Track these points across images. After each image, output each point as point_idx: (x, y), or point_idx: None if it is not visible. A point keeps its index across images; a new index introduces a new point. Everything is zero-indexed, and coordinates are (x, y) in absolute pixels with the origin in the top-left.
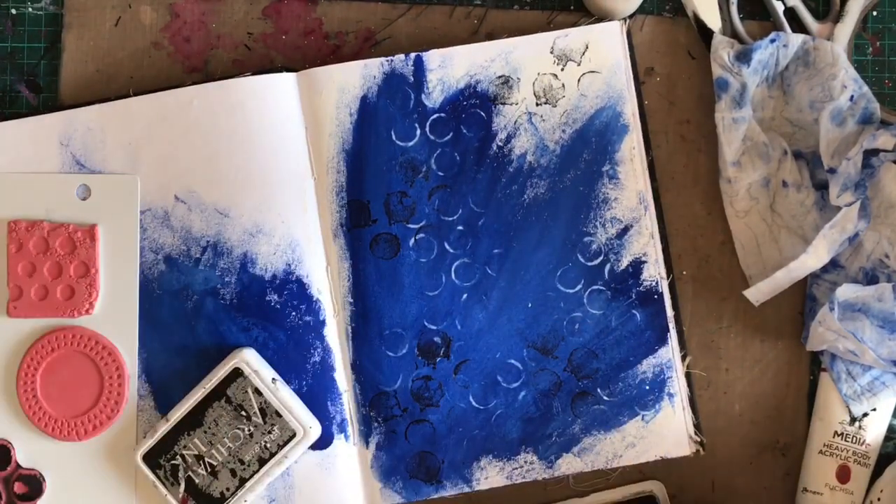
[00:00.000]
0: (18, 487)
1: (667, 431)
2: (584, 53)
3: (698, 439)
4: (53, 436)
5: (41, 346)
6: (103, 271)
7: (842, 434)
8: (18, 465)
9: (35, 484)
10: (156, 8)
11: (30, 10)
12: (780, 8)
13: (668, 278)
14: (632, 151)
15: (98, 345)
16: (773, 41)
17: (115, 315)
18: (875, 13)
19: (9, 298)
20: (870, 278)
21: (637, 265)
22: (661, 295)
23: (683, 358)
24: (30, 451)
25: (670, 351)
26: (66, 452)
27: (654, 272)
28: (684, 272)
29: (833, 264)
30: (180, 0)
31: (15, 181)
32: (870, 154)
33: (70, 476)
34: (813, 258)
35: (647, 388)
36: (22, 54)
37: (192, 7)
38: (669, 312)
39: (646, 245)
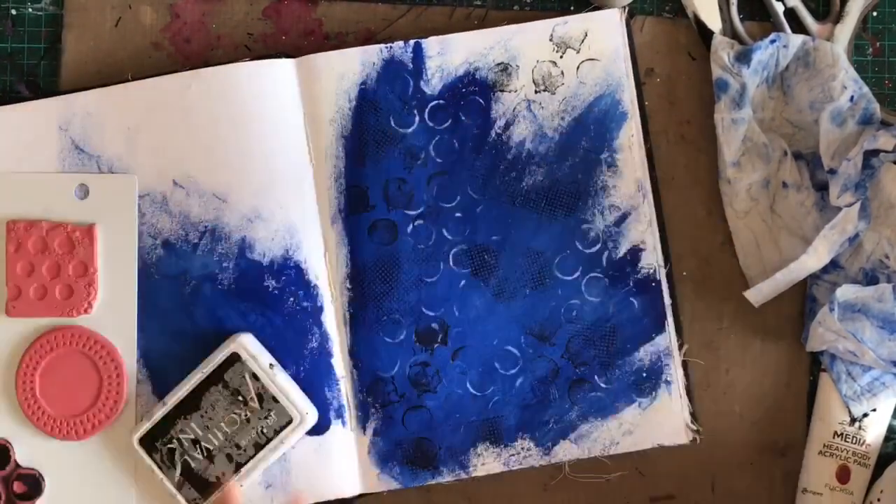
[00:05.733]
0: (18, 487)
1: (664, 419)
2: (583, 41)
3: (695, 428)
4: (52, 435)
5: (40, 345)
6: (102, 271)
7: (842, 434)
8: (18, 465)
9: (34, 483)
10: (156, 8)
11: (30, 10)
12: (780, 8)
13: (665, 267)
14: (630, 139)
15: (97, 344)
16: (773, 42)
17: (113, 314)
18: (875, 13)
19: (7, 298)
20: (870, 279)
21: (635, 253)
22: (658, 283)
23: (680, 347)
24: (29, 450)
25: (667, 339)
26: (66, 452)
27: (652, 260)
28: (684, 272)
29: (833, 265)
30: (180, 1)
31: (13, 181)
32: (870, 155)
33: (69, 475)
34: (813, 259)
35: (645, 375)
36: (22, 55)
37: (193, 8)
38: (667, 300)
39: (644, 233)
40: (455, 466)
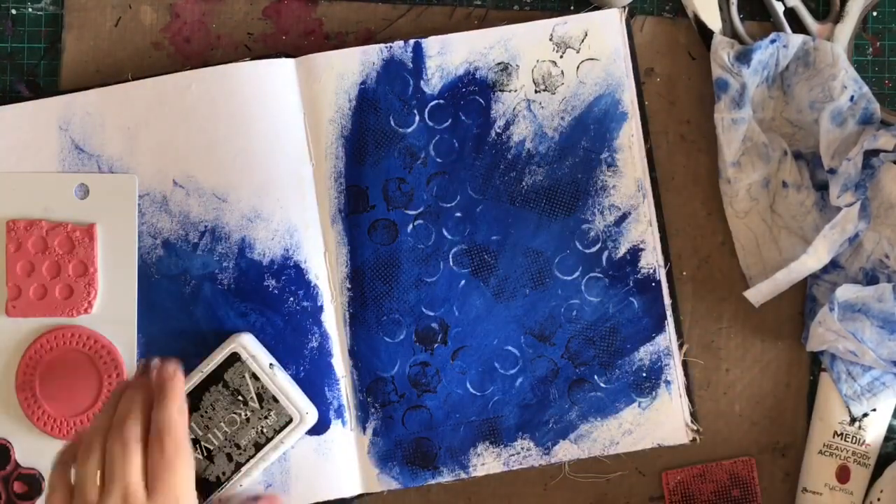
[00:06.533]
0: (18, 487)
1: (664, 419)
2: (583, 41)
3: (695, 427)
4: (52, 435)
5: (40, 345)
6: (102, 270)
7: (841, 434)
8: (18, 465)
9: (34, 483)
10: (156, 8)
11: (30, 10)
12: (780, 8)
13: (665, 267)
14: (630, 139)
15: (97, 344)
16: (773, 42)
17: (113, 314)
18: (875, 13)
19: (7, 298)
20: (870, 279)
21: (635, 252)
22: (658, 283)
23: (680, 347)
24: (29, 450)
25: (667, 338)
26: None
27: (652, 260)
28: (684, 272)
29: (833, 265)
30: (180, 0)
31: (13, 180)
32: (870, 154)
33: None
34: (813, 259)
35: (644, 375)
36: (22, 55)
37: (193, 7)
38: (667, 300)
39: (644, 232)
40: (455, 466)
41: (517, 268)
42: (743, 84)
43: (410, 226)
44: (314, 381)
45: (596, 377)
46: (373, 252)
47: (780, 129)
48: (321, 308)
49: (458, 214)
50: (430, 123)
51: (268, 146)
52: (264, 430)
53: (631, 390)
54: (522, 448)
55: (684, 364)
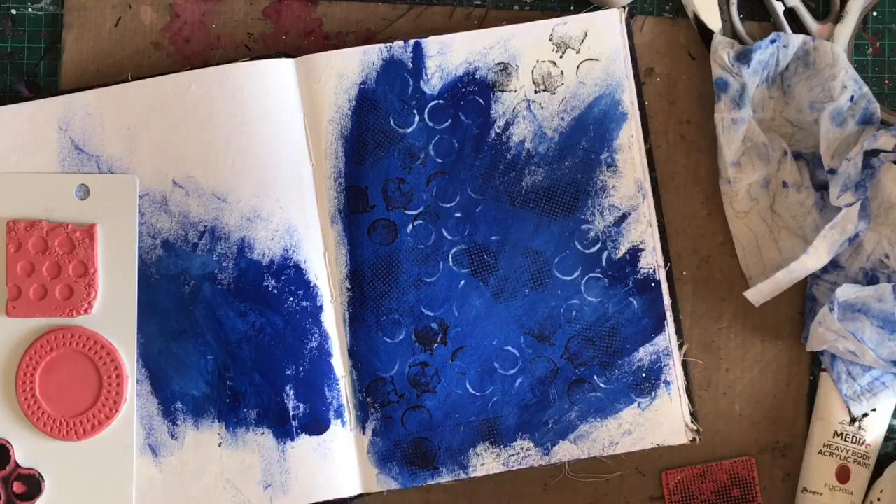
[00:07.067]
0: (17, 487)
1: (663, 419)
2: (583, 41)
3: (695, 427)
4: (52, 435)
5: (40, 345)
6: (102, 271)
7: (842, 434)
8: (17, 465)
9: (34, 483)
10: (156, 8)
11: (30, 10)
12: (780, 8)
13: (665, 267)
14: (630, 139)
15: (97, 344)
16: (773, 42)
17: (113, 315)
18: (875, 13)
19: (7, 298)
20: (870, 279)
21: (634, 253)
22: (658, 283)
23: (680, 347)
24: (29, 450)
25: (667, 339)
26: (65, 452)
27: (652, 260)
28: (684, 272)
29: (833, 265)
30: (180, 0)
31: (14, 181)
32: (870, 154)
33: (69, 476)
34: (813, 259)
35: (644, 375)
36: (22, 55)
37: (193, 7)
38: (667, 300)
39: (643, 233)
40: (454, 467)
41: (517, 268)
42: (743, 84)
43: (410, 226)
44: (314, 381)
45: (595, 377)
46: (372, 252)
47: (780, 129)
48: (321, 308)
49: (458, 214)
50: (430, 123)
51: (267, 146)
52: None
53: (630, 390)
54: (522, 448)
55: (684, 364)
